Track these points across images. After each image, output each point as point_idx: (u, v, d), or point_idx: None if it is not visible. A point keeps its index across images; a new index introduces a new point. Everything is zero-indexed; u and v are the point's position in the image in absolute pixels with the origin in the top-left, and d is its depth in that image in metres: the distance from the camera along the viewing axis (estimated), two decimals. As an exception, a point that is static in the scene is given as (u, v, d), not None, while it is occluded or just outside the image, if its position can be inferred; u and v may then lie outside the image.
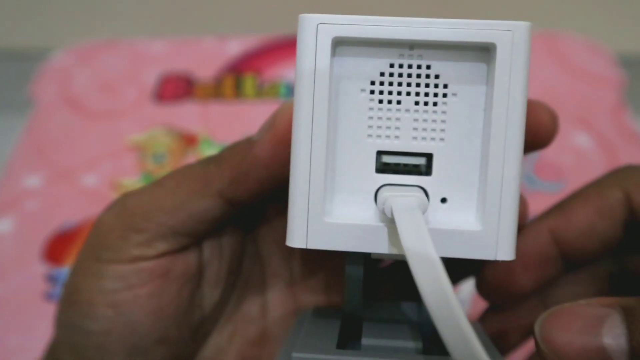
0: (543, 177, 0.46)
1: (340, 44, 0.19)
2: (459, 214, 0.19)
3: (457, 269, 0.24)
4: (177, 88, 0.53)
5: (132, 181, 0.47)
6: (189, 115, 0.51)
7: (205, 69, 0.55)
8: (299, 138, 0.19)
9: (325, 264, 0.25)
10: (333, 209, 0.19)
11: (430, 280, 0.15)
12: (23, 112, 0.53)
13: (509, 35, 0.18)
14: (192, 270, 0.22)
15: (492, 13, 0.62)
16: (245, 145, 0.21)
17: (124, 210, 0.21)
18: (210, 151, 0.48)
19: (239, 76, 0.54)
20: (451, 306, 0.15)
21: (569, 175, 0.46)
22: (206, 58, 0.56)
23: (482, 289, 0.24)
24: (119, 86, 0.54)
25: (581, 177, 0.46)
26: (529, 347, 0.26)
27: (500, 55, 0.18)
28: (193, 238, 0.22)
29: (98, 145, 0.49)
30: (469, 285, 0.32)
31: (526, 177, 0.45)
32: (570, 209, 0.22)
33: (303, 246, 0.19)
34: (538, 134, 0.21)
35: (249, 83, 0.53)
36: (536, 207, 0.44)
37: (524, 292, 0.23)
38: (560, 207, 0.23)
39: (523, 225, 0.23)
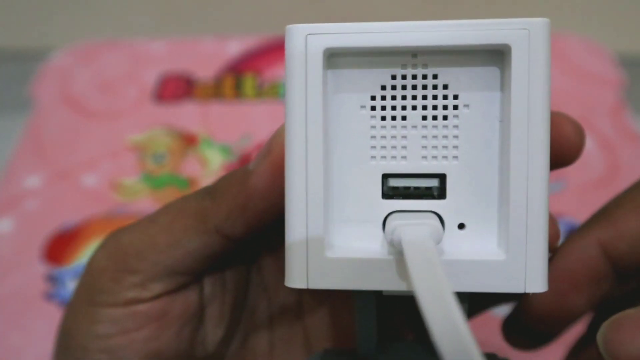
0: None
1: (334, 56, 0.17)
2: (479, 242, 0.17)
3: (485, 296, 0.22)
4: (177, 88, 0.53)
5: (132, 181, 0.47)
6: (189, 115, 0.51)
7: (205, 69, 0.55)
8: (293, 164, 0.17)
9: (337, 294, 0.23)
10: (335, 243, 0.17)
11: (445, 328, 0.13)
12: (23, 112, 0.53)
13: (524, 35, 0.16)
14: (192, 310, 0.21)
15: (490, 15, 0.62)
16: (241, 176, 0.19)
17: (117, 250, 0.20)
18: (210, 151, 0.48)
19: (238, 76, 0.54)
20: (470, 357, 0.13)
21: (569, 175, 0.46)
22: (206, 58, 0.56)
23: (528, 316, 0.21)
24: (119, 86, 0.54)
25: (581, 177, 0.46)
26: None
27: (516, 57, 0.16)
28: (192, 276, 0.20)
29: (98, 145, 0.49)
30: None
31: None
32: (620, 218, 0.20)
33: (304, 286, 0.17)
34: (562, 150, 0.19)
35: (248, 83, 0.53)
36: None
37: (577, 315, 0.21)
38: (606, 216, 0.20)
39: (554, 249, 0.20)
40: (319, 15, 0.64)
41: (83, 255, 0.42)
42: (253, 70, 0.54)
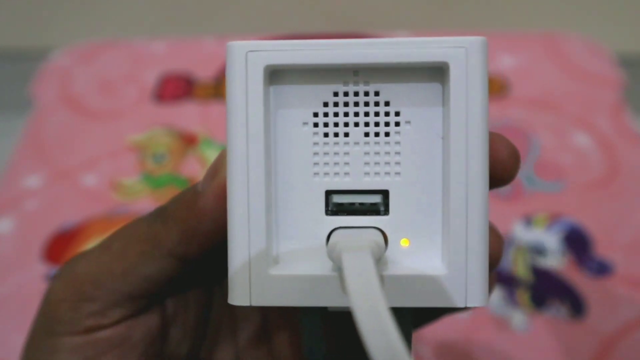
0: (543, 177, 0.46)
1: (276, 73, 0.17)
2: (422, 257, 0.17)
3: (430, 309, 0.22)
4: (177, 88, 0.53)
5: (132, 181, 0.47)
6: (189, 115, 0.51)
7: (205, 69, 0.55)
8: (234, 182, 0.17)
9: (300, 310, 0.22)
10: (279, 260, 0.18)
11: (380, 344, 0.13)
12: (23, 112, 0.53)
13: (462, 53, 0.16)
14: (155, 331, 0.20)
15: (491, 14, 0.62)
16: (190, 197, 0.19)
17: (73, 279, 0.20)
18: (210, 151, 0.48)
19: (239, 76, 0.54)
20: None
21: (568, 175, 0.46)
22: (206, 58, 0.56)
23: None
24: (119, 86, 0.54)
25: (581, 177, 0.46)
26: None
27: (454, 75, 0.16)
28: (152, 299, 0.20)
29: (98, 145, 0.49)
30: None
31: (526, 177, 0.45)
32: None
33: (246, 304, 0.17)
34: (495, 171, 0.18)
35: (249, 83, 0.53)
36: (536, 207, 0.44)
37: None
38: None
39: (499, 263, 0.20)
40: (319, 14, 0.64)
41: (83, 255, 0.42)
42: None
